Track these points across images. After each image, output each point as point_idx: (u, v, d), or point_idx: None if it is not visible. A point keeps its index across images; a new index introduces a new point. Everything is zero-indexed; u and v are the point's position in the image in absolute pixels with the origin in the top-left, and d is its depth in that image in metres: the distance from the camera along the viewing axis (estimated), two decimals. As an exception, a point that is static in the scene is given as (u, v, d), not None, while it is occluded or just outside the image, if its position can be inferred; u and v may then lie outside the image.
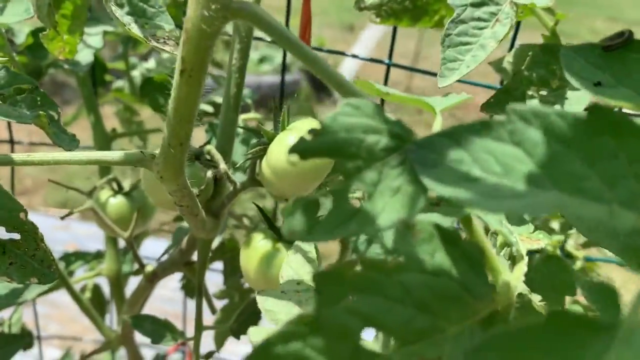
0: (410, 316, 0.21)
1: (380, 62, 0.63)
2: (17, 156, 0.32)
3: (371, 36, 3.70)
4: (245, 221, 0.57)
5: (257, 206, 0.46)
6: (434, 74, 0.62)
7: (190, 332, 0.52)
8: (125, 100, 0.81)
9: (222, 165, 0.43)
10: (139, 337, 0.85)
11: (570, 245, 0.65)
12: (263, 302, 0.30)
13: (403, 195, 0.22)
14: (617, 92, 0.22)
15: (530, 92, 0.44)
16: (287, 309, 0.30)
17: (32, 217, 0.36)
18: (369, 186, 0.22)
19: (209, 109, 0.70)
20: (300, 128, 0.40)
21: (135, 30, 0.39)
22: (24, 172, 2.51)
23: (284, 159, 0.38)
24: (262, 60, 3.30)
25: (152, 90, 0.71)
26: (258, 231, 0.44)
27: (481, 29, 0.42)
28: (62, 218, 0.49)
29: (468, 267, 0.22)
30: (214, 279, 0.74)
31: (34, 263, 0.32)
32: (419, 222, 0.22)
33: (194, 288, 0.70)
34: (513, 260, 0.30)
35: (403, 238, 0.22)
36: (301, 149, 0.21)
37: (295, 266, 0.33)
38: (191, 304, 0.82)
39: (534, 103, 0.43)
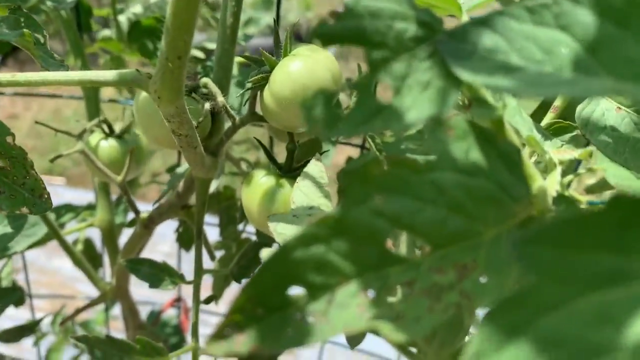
0: (442, 218, 0.19)
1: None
2: (2, 76, 0.29)
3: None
4: (244, 166, 0.55)
5: (257, 140, 0.44)
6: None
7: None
8: (112, 49, 0.78)
9: (220, 98, 0.40)
10: (134, 293, 0.84)
11: (573, 189, 0.63)
12: (274, 226, 0.29)
13: (433, 90, 0.20)
14: None
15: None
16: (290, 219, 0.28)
17: None
18: (397, 79, 0.20)
19: (200, 54, 0.67)
20: (304, 54, 0.37)
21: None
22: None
23: (288, 87, 0.36)
24: (247, 22, 3.24)
25: (140, 35, 0.68)
26: (259, 168, 0.42)
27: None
28: (52, 161, 0.47)
29: (505, 167, 0.20)
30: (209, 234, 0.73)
31: (24, 192, 0.30)
32: (451, 119, 0.20)
33: (189, 239, 0.69)
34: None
35: (434, 136, 0.20)
36: (323, 32, 0.19)
37: (306, 190, 0.31)
38: (186, 258, 0.80)
39: None
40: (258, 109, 0.41)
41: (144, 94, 0.43)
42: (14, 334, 0.64)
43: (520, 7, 0.20)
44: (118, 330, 0.95)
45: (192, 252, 0.57)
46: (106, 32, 0.81)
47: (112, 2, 0.71)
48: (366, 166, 0.19)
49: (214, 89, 0.41)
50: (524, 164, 0.22)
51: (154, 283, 0.44)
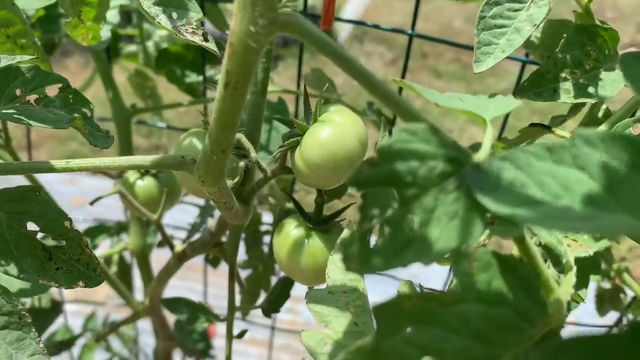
0: (467, 346, 0.21)
1: (402, 32, 0.61)
2: (57, 163, 0.32)
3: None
4: (271, 200, 0.57)
5: (291, 196, 0.46)
6: (458, 45, 0.61)
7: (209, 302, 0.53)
8: (137, 64, 0.80)
9: (253, 154, 0.43)
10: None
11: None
12: (312, 306, 0.31)
13: (460, 221, 0.22)
14: None
15: (563, 75, 0.43)
16: (336, 312, 0.31)
17: None
18: (426, 213, 0.22)
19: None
20: (332, 120, 0.39)
21: (163, 22, 0.38)
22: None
23: (318, 153, 0.38)
24: None
25: (167, 62, 0.70)
26: (290, 218, 0.44)
27: (516, 10, 0.41)
28: (92, 204, 0.50)
29: (524, 294, 0.22)
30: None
31: (79, 267, 0.33)
32: (476, 251, 0.22)
33: (216, 260, 0.72)
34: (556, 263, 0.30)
35: (460, 268, 0.22)
36: (359, 181, 0.21)
37: (340, 265, 0.34)
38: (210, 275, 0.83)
39: (567, 85, 0.43)
40: (288, 162, 0.44)
41: (184, 142, 0.46)
42: (55, 349, 0.68)
43: (540, 147, 0.22)
44: (145, 332, 1.00)
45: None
46: (131, 48, 0.83)
47: (139, 27, 0.73)
48: (398, 301, 0.21)
49: (247, 144, 0.43)
50: (542, 276, 0.24)
51: (191, 321, 0.47)
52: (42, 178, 0.74)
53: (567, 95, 0.42)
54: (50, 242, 0.32)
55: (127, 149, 0.63)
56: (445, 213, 0.22)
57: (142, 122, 0.73)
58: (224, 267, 0.69)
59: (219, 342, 1.30)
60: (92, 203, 0.50)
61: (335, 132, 0.38)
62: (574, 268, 0.26)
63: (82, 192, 2.04)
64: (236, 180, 0.41)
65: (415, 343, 0.21)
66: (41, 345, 0.33)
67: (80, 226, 0.75)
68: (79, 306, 1.09)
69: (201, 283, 0.95)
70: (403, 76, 0.64)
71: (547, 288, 0.24)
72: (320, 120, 0.40)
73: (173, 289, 0.72)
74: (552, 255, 0.30)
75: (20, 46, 0.45)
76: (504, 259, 0.22)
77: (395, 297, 0.21)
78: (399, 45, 3.09)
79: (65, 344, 0.69)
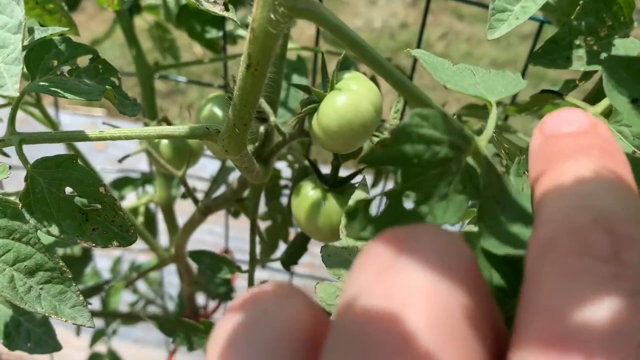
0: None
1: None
2: (91, 133, 0.34)
3: None
4: (290, 157, 0.60)
5: (307, 158, 0.48)
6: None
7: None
8: (157, 17, 0.81)
9: (272, 118, 0.45)
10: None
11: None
12: (327, 260, 0.34)
13: (449, 202, 0.24)
14: None
15: (577, 42, 0.44)
16: (347, 267, 0.34)
17: (61, 115, 0.39)
18: (422, 192, 0.24)
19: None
20: (348, 88, 0.41)
21: (186, -8, 0.39)
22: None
23: (335, 121, 0.40)
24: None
25: (188, 17, 0.71)
26: (307, 180, 0.46)
27: (532, -23, 0.42)
28: (120, 161, 0.52)
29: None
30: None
31: (114, 228, 0.36)
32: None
33: (238, 211, 0.75)
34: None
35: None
36: (370, 159, 0.23)
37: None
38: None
39: (580, 53, 0.43)
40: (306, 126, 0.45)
41: (205, 110, 0.48)
42: (89, 293, 0.73)
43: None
44: (171, 273, 1.05)
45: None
46: (152, 1, 0.84)
47: (160, -20, 0.73)
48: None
49: (267, 108, 0.45)
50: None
51: (215, 272, 0.51)
52: (65, 121, 0.77)
53: (579, 62, 0.43)
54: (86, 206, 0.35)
55: (150, 103, 0.65)
56: (438, 194, 0.24)
57: (164, 76, 0.75)
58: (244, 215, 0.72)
59: (240, 283, 1.36)
60: (120, 161, 0.53)
61: (351, 101, 0.40)
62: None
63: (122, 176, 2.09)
64: (257, 144, 0.43)
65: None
66: (81, 298, 0.36)
67: (108, 177, 0.78)
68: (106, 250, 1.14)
69: (222, 225, 0.98)
70: (424, 19, 0.64)
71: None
72: (337, 88, 0.41)
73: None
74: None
75: (49, 11, 0.46)
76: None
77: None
78: (420, -14, 3.01)
79: (96, 289, 0.74)
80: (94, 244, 0.36)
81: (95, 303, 1.08)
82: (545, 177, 0.21)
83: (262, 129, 0.44)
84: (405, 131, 0.24)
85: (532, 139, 0.24)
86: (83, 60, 0.39)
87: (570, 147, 0.22)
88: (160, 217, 0.78)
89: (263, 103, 0.45)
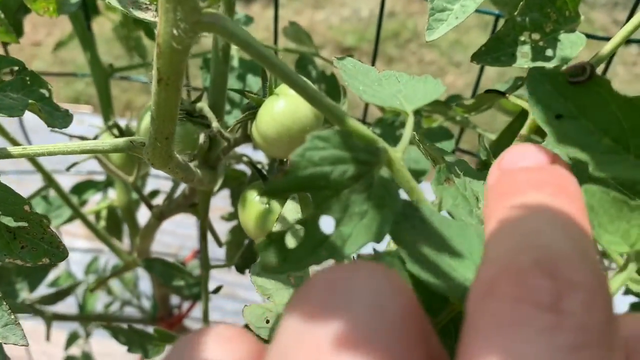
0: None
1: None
2: (14, 149, 0.33)
3: None
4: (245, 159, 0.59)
5: (251, 162, 0.48)
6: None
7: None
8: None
9: (215, 124, 0.44)
10: (159, 244, 0.91)
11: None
12: (256, 279, 0.33)
13: (370, 219, 0.24)
14: (576, 125, 0.22)
15: (522, 38, 0.43)
16: (277, 285, 0.33)
17: None
18: (337, 213, 0.23)
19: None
20: (286, 92, 0.40)
21: (113, 0, 0.38)
22: (34, 67, 2.49)
23: (272, 127, 0.39)
24: None
25: (145, 16, 0.70)
26: (252, 188, 0.46)
27: (472, -25, 0.41)
28: (68, 169, 0.52)
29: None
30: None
31: (43, 245, 0.35)
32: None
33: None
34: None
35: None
36: (271, 190, 0.22)
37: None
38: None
39: (525, 49, 0.43)
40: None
41: (145, 118, 0.47)
42: (54, 298, 0.72)
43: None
44: (145, 275, 1.04)
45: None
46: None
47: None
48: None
49: (209, 114, 0.44)
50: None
51: (167, 280, 0.50)
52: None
53: (524, 59, 0.42)
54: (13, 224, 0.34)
55: (106, 107, 0.64)
56: (357, 212, 0.24)
57: (125, 77, 0.74)
58: (219, 204, 0.72)
59: (213, 284, 1.35)
60: (68, 169, 0.52)
61: (288, 107, 0.39)
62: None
63: (87, 131, 2.07)
64: (195, 152, 0.42)
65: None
66: (12, 316, 0.35)
67: (70, 180, 0.77)
68: (82, 254, 1.13)
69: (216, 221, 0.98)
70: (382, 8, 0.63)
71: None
72: (276, 93, 0.41)
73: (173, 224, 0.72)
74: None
75: (-17, 19, 0.45)
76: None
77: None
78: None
79: (64, 293, 0.73)
80: (23, 262, 0.35)
81: (73, 305, 1.07)
82: (495, 213, 0.21)
83: (202, 136, 0.43)
84: (305, 156, 0.23)
85: (489, 173, 0.23)
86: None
87: (522, 182, 0.21)
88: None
89: (205, 108, 0.45)
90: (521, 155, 0.22)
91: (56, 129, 0.39)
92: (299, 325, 0.17)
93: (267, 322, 0.31)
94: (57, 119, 0.37)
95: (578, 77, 0.22)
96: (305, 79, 0.26)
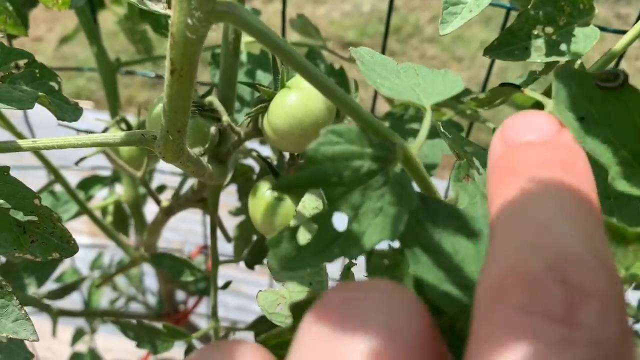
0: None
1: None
2: (24, 142, 0.33)
3: None
4: (255, 154, 0.58)
5: (261, 157, 0.47)
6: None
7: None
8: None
9: (225, 118, 0.43)
10: (164, 240, 0.90)
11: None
12: (275, 275, 0.33)
13: (384, 217, 0.23)
14: (596, 131, 0.21)
15: (535, 32, 0.42)
16: (292, 272, 0.33)
17: (46, 110, 0.37)
18: (352, 210, 0.23)
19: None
20: (298, 85, 0.40)
21: (125, -9, 0.38)
22: (37, 63, 2.48)
23: (284, 121, 0.39)
24: None
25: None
26: (264, 180, 0.45)
27: (486, -33, 0.40)
28: (77, 163, 0.51)
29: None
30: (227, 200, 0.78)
31: (53, 239, 0.34)
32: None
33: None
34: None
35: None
36: (284, 186, 0.22)
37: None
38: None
39: (539, 43, 0.42)
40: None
41: (156, 109, 0.47)
42: (61, 293, 0.72)
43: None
44: (150, 272, 1.04)
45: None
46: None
47: (123, -27, 0.72)
48: (316, 298, 0.22)
49: (220, 108, 0.44)
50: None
51: (176, 275, 0.50)
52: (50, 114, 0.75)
53: (538, 53, 0.42)
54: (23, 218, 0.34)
55: (113, 101, 0.64)
56: (371, 209, 0.23)
57: (131, 72, 0.73)
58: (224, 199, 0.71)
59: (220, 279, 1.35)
60: (77, 163, 0.51)
61: (301, 99, 0.39)
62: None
63: (89, 126, 2.07)
64: (206, 146, 0.42)
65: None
66: (23, 311, 0.35)
67: (74, 176, 0.77)
68: (85, 250, 1.13)
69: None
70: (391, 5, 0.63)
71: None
72: (287, 86, 0.40)
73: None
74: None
75: (-8, 12, 0.45)
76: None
77: (312, 295, 0.22)
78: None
79: (69, 288, 0.73)
80: (33, 256, 0.35)
81: (77, 301, 1.07)
82: (501, 197, 0.20)
83: (213, 129, 0.42)
84: (319, 151, 0.23)
85: (492, 145, 0.22)
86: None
87: (529, 160, 0.20)
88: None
89: (216, 102, 0.44)
90: (526, 126, 0.21)
91: (64, 123, 0.39)
92: (314, 345, 0.17)
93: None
94: (67, 112, 0.37)
95: (609, 83, 0.21)
96: (321, 72, 0.26)
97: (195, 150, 0.41)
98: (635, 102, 0.23)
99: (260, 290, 0.33)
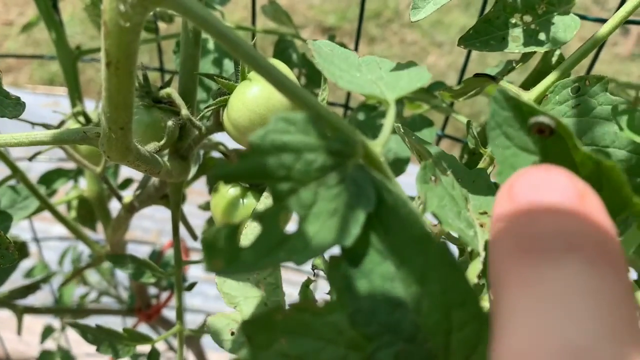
0: (342, 355, 0.20)
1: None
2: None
3: None
4: (222, 147, 0.56)
5: (224, 153, 0.45)
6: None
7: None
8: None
9: (184, 111, 0.41)
10: (136, 233, 0.87)
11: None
12: (222, 285, 0.30)
13: (340, 219, 0.21)
14: (531, 162, 0.19)
15: (513, 20, 0.40)
16: (246, 291, 0.30)
17: (19, 94, 0.34)
18: (302, 209, 0.20)
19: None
20: (260, 77, 0.37)
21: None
22: (6, 48, 2.41)
23: (244, 115, 0.36)
24: None
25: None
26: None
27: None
28: (30, 159, 0.48)
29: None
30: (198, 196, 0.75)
31: (-9, 246, 0.32)
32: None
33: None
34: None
35: (333, 274, 0.21)
36: (223, 174, 0.19)
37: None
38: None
39: (517, 32, 0.40)
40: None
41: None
42: (24, 292, 0.69)
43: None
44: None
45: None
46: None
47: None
48: (269, 314, 0.20)
49: (178, 100, 0.41)
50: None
51: (137, 277, 0.47)
52: (25, 100, 0.72)
53: (516, 43, 0.40)
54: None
55: (74, 91, 0.61)
56: (324, 210, 0.21)
57: (95, 59, 0.70)
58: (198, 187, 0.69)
59: (192, 273, 1.32)
60: (30, 159, 0.48)
61: (262, 93, 0.36)
62: (482, 254, 0.25)
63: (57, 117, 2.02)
64: (163, 142, 0.39)
65: (290, 354, 0.20)
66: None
67: (40, 167, 0.74)
68: (59, 242, 1.10)
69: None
70: None
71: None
72: (249, 78, 0.37)
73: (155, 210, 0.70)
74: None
75: None
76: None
77: (265, 311, 0.20)
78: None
79: (34, 286, 0.70)
80: (-31, 264, 0.32)
81: (48, 297, 1.04)
82: (511, 277, 0.16)
83: (170, 123, 0.40)
84: (266, 139, 0.20)
85: (497, 202, 0.18)
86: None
87: (552, 236, 0.16)
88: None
89: (174, 94, 0.41)
90: (542, 186, 0.17)
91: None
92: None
93: (232, 334, 0.28)
94: (7, 107, 0.34)
95: (541, 133, 0.19)
96: (271, 61, 0.23)
97: (151, 147, 0.38)
98: (572, 142, 0.21)
99: (208, 315, 0.30)
